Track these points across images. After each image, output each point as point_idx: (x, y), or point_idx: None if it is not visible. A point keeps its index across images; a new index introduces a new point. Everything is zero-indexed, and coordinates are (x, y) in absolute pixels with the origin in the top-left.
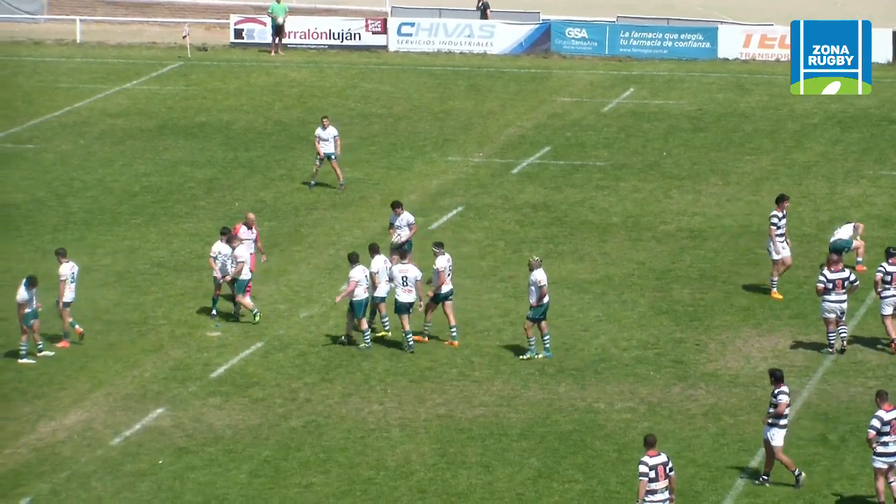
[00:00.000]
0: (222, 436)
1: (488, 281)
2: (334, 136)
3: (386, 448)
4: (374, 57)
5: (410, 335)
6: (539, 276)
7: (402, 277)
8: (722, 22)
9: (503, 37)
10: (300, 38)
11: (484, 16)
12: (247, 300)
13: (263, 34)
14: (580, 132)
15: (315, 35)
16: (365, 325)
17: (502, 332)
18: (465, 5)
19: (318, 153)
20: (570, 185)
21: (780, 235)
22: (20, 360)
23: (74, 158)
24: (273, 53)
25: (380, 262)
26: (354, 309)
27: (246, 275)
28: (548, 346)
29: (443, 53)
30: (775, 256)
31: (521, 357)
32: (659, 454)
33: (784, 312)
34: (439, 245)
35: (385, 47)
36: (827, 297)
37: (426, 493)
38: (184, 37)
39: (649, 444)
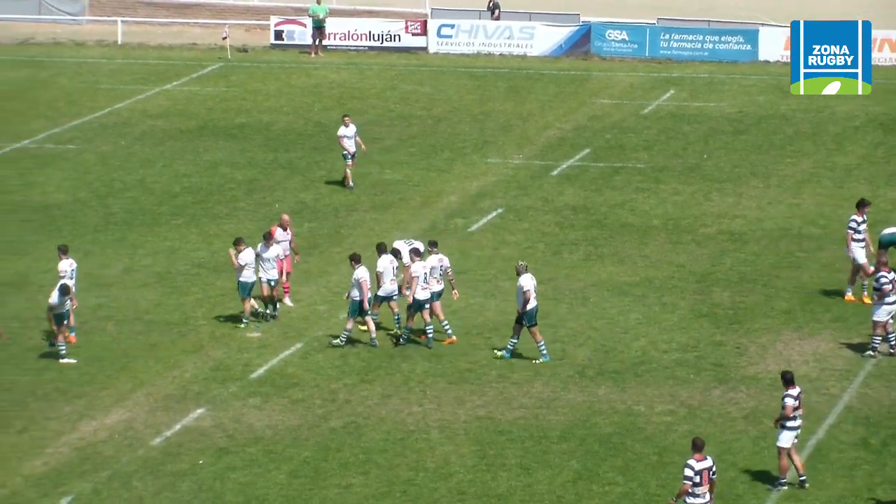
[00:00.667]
0: (262, 436)
1: None
2: (355, 134)
3: (425, 449)
4: (413, 58)
5: (431, 328)
6: (524, 281)
7: (424, 273)
8: (763, 24)
9: (543, 39)
10: (340, 39)
11: (494, 16)
12: (248, 303)
13: (303, 35)
14: (620, 134)
15: (355, 37)
16: (350, 325)
17: (542, 334)
18: (506, 7)
19: (346, 150)
20: (610, 188)
21: (859, 241)
22: (61, 361)
23: (115, 159)
24: (313, 55)
25: (386, 261)
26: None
27: (250, 278)
28: (543, 351)
29: (482, 55)
30: (860, 261)
31: (496, 353)
32: (705, 458)
33: (825, 316)
34: (433, 244)
35: (425, 49)
36: (887, 298)
37: (465, 494)
38: (224, 38)
39: (697, 447)
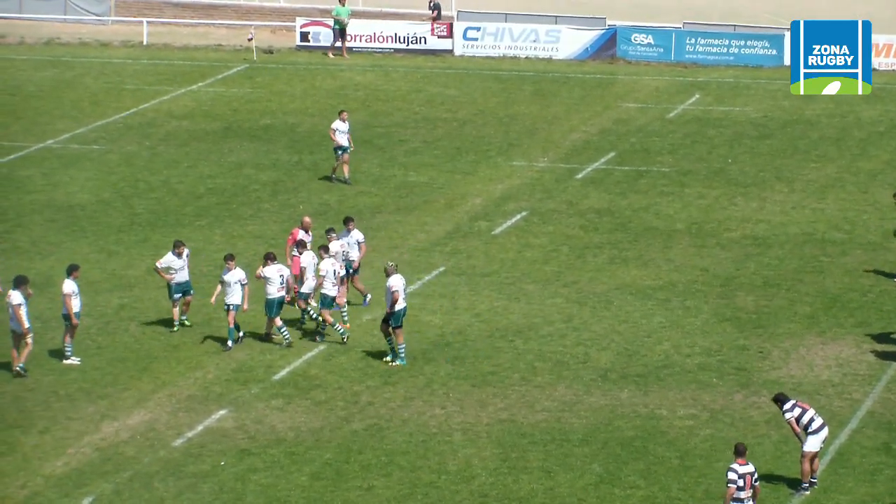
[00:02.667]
0: (284, 438)
1: (552, 286)
2: (349, 130)
3: (447, 452)
4: (439, 61)
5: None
6: (393, 281)
7: (334, 270)
8: (788, 29)
9: (569, 42)
10: (366, 41)
11: (434, 16)
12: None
13: (329, 37)
14: (645, 138)
15: (381, 39)
16: (279, 322)
17: (565, 338)
18: (532, 10)
19: (338, 144)
20: (634, 191)
21: None
22: (65, 362)
23: (139, 160)
24: (331, 55)
25: (309, 257)
26: (267, 307)
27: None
28: (402, 354)
29: (508, 58)
30: None
31: (388, 361)
32: (747, 463)
33: (848, 321)
34: (347, 221)
35: (451, 51)
36: None
37: (487, 497)
38: (249, 39)
39: (739, 452)
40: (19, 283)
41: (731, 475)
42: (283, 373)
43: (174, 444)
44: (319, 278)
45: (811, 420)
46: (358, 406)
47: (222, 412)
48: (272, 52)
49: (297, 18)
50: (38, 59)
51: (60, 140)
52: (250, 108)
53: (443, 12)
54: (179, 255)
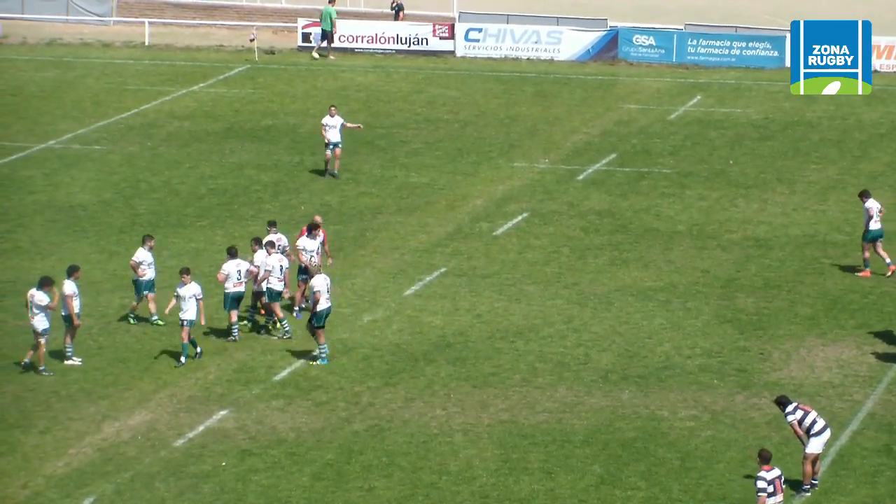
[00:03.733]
0: (285, 438)
1: (552, 287)
2: (341, 125)
3: (448, 453)
4: (440, 62)
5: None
6: (315, 282)
7: (280, 266)
8: (789, 30)
9: (570, 43)
10: (367, 42)
11: (398, 17)
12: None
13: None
14: (646, 139)
15: (382, 40)
16: (234, 318)
17: (566, 339)
18: (533, 11)
19: (326, 141)
20: (635, 193)
21: None
22: (66, 362)
23: (141, 160)
24: (316, 56)
25: (262, 255)
26: (224, 301)
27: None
28: (324, 354)
29: (510, 59)
30: None
31: (311, 364)
32: (773, 468)
33: (849, 322)
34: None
35: (452, 53)
36: None
37: (488, 498)
38: (251, 40)
39: (765, 458)
40: (71, 272)
41: (761, 483)
42: (284, 373)
43: (175, 444)
44: (265, 273)
45: (813, 422)
46: (359, 407)
47: (223, 413)
48: (274, 53)
49: (299, 19)
50: (40, 60)
51: (62, 140)
52: (252, 109)
53: (445, 13)
54: (150, 250)
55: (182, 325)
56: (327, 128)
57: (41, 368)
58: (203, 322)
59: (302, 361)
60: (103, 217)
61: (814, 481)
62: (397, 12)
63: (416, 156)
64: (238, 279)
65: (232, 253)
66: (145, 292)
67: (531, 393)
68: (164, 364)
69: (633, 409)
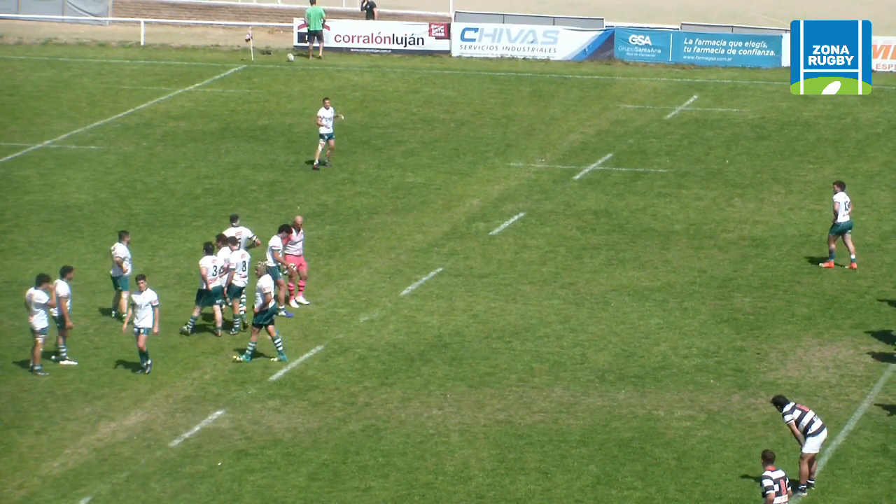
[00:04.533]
0: (281, 439)
1: (549, 287)
2: (333, 117)
3: (445, 453)
4: (437, 62)
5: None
6: (264, 282)
7: (244, 262)
8: (786, 30)
9: (566, 43)
10: (363, 42)
11: (370, 16)
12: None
13: (327, 38)
14: (643, 139)
15: (378, 39)
16: (196, 312)
17: (562, 339)
18: (529, 11)
19: (325, 131)
20: (632, 193)
21: None
22: (61, 363)
23: (137, 160)
24: (311, 57)
25: (226, 252)
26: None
27: (238, 282)
28: (280, 348)
29: (506, 59)
30: None
31: (234, 358)
32: (777, 469)
33: (845, 322)
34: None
35: (448, 52)
36: None
37: (484, 498)
38: (247, 40)
39: (768, 459)
40: (65, 272)
41: (767, 482)
42: (280, 374)
43: (171, 444)
44: (231, 272)
45: (811, 422)
46: (355, 407)
47: (219, 413)
48: (270, 53)
49: (295, 19)
50: (36, 60)
51: (58, 140)
52: (248, 109)
53: (441, 13)
54: (128, 246)
55: (138, 332)
56: (323, 120)
57: (36, 367)
58: (157, 331)
59: (298, 362)
60: (99, 217)
61: (810, 481)
62: (370, 10)
63: (413, 156)
64: (212, 275)
65: (207, 249)
66: (121, 289)
67: (528, 393)
68: (159, 364)
69: (629, 409)
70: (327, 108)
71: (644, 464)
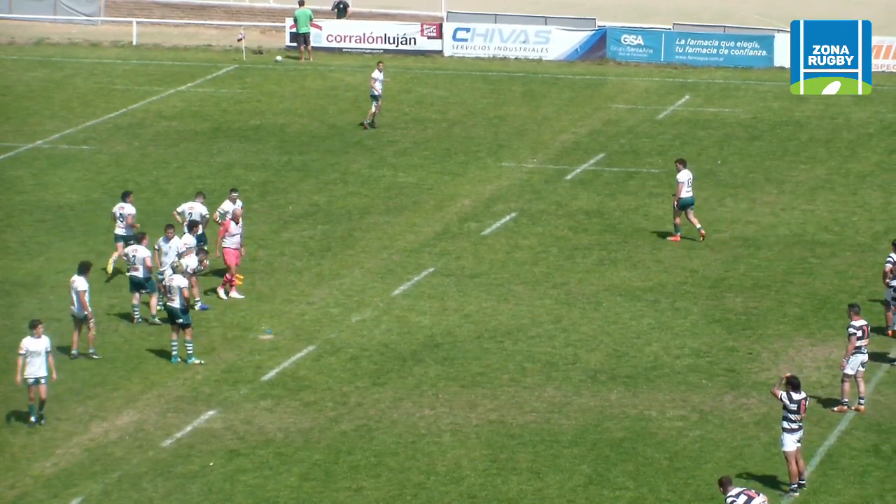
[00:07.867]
0: (273, 439)
1: (541, 287)
2: (383, 80)
3: (437, 453)
4: (429, 62)
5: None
6: (179, 281)
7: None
8: (778, 30)
9: (558, 43)
10: (356, 42)
11: (342, 15)
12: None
13: (318, 38)
14: (635, 139)
15: (370, 39)
16: (135, 300)
17: (554, 339)
18: (521, 11)
19: (376, 92)
20: (623, 192)
21: None
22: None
23: (129, 160)
24: (303, 59)
25: (177, 241)
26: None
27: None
28: (190, 351)
29: (498, 59)
30: None
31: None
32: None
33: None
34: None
35: (440, 52)
36: None
37: (476, 498)
38: (239, 40)
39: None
40: (83, 269)
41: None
42: (272, 374)
43: (163, 444)
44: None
45: (793, 420)
46: (347, 407)
47: (211, 413)
48: (262, 53)
49: (287, 19)
50: (28, 60)
51: (50, 140)
52: (240, 109)
53: (433, 13)
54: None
55: (34, 383)
56: (377, 82)
57: (90, 351)
58: (55, 377)
59: (290, 361)
60: (91, 217)
61: (801, 481)
62: (342, 9)
63: (404, 155)
64: (133, 263)
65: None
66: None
67: (519, 393)
68: (152, 364)
69: (621, 409)
70: (380, 71)
71: (636, 464)
